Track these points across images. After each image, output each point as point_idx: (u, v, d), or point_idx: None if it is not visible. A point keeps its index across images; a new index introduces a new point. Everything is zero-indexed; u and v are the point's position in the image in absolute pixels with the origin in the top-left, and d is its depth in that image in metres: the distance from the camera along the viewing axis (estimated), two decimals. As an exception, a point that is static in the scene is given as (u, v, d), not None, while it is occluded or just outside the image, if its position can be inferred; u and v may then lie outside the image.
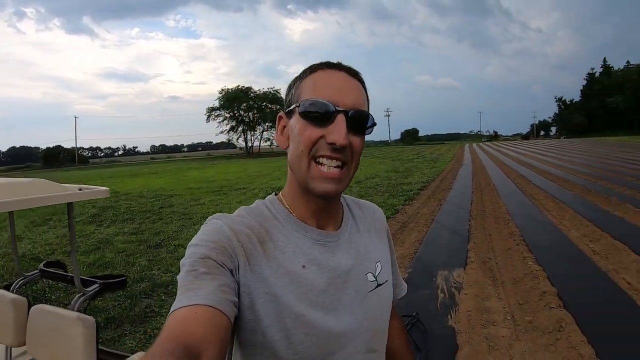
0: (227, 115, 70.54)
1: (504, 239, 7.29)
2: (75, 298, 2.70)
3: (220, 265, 0.70)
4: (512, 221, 8.50)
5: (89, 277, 2.91)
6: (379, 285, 0.90)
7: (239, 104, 68.99)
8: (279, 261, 0.78)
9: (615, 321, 4.03)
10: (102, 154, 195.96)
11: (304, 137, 0.78)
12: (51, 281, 4.82)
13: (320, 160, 0.78)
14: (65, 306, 2.82)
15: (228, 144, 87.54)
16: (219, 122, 70.90)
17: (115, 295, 4.98)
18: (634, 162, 20.85)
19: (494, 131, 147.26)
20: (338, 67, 0.84)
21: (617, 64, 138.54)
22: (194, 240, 0.76)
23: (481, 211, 9.93)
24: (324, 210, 0.86)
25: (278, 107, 72.05)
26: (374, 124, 0.84)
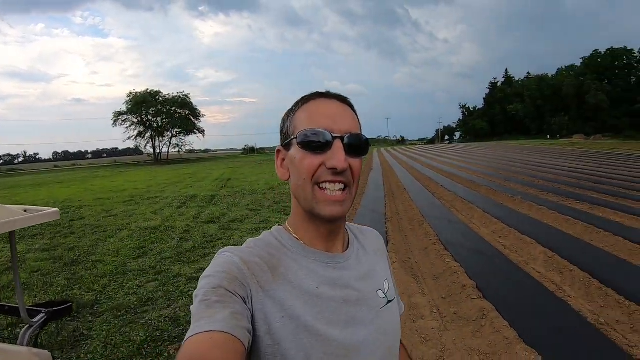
0: (135, 120, 67.30)
1: (420, 239, 7.79)
2: (23, 331, 2.49)
3: (233, 293, 0.74)
4: (426, 222, 9.10)
5: (31, 306, 2.72)
6: (389, 301, 0.97)
7: (147, 109, 66.18)
8: (292, 284, 0.83)
9: (531, 305, 4.58)
10: (1, 161, 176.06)
11: (305, 166, 0.85)
12: None
13: (324, 185, 0.84)
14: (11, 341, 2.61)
15: (135, 151, 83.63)
16: (126, 127, 67.44)
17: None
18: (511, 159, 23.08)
19: (401, 136, 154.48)
20: (328, 95, 0.92)
21: (518, 74, 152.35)
22: (206, 272, 0.79)
23: (395, 214, 10.48)
24: (331, 233, 0.93)
25: (188, 112, 70.63)
26: (369, 144, 0.91)
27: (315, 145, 0.84)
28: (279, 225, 0.98)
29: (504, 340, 3.71)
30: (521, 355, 3.42)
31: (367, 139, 0.90)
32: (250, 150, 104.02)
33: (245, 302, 0.76)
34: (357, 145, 0.87)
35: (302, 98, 0.93)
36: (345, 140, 0.85)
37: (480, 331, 4.00)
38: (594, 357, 3.53)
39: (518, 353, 3.46)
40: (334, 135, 0.84)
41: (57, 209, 2.53)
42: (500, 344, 3.69)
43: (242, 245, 0.91)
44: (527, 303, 4.62)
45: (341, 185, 0.85)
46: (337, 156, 0.83)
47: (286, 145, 0.92)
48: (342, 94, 0.94)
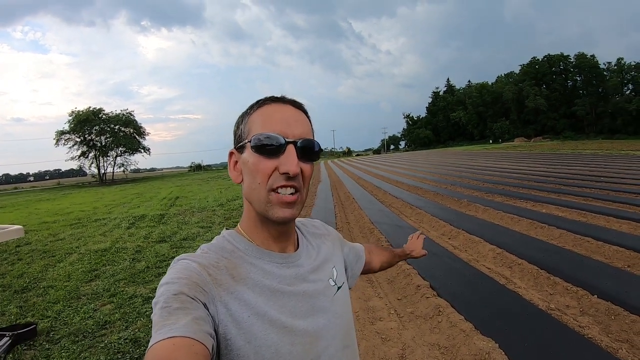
0: (78, 139, 64.81)
1: (373, 246, 7.92)
2: None
3: (193, 299, 0.76)
4: (377, 229, 9.29)
5: None
6: (339, 288, 1.05)
7: (90, 127, 63.94)
8: (254, 282, 0.88)
9: (484, 299, 4.80)
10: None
11: (260, 170, 0.88)
12: None
13: (277, 190, 0.88)
14: None
15: (79, 172, 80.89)
16: (69, 147, 64.85)
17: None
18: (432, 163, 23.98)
19: (347, 147, 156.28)
20: (283, 100, 0.95)
21: (460, 83, 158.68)
22: (164, 279, 0.80)
23: (346, 223, 10.64)
24: (282, 235, 0.97)
25: (132, 130, 68.82)
26: (321, 150, 0.96)
27: (269, 149, 0.87)
28: (226, 228, 1.03)
29: (461, 333, 3.89)
30: (479, 344, 3.59)
31: (319, 144, 0.95)
32: (197, 168, 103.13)
33: (206, 308, 0.78)
34: (310, 150, 0.92)
35: (257, 102, 0.96)
36: (298, 144, 0.89)
37: (437, 327, 4.17)
38: (548, 339, 3.75)
39: (476, 343, 3.63)
40: (287, 139, 0.88)
41: (22, 226, 2.48)
42: (458, 336, 3.86)
43: (196, 251, 0.93)
44: (480, 297, 4.84)
45: (292, 190, 0.89)
46: (290, 161, 0.86)
47: (239, 148, 0.95)
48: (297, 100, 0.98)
